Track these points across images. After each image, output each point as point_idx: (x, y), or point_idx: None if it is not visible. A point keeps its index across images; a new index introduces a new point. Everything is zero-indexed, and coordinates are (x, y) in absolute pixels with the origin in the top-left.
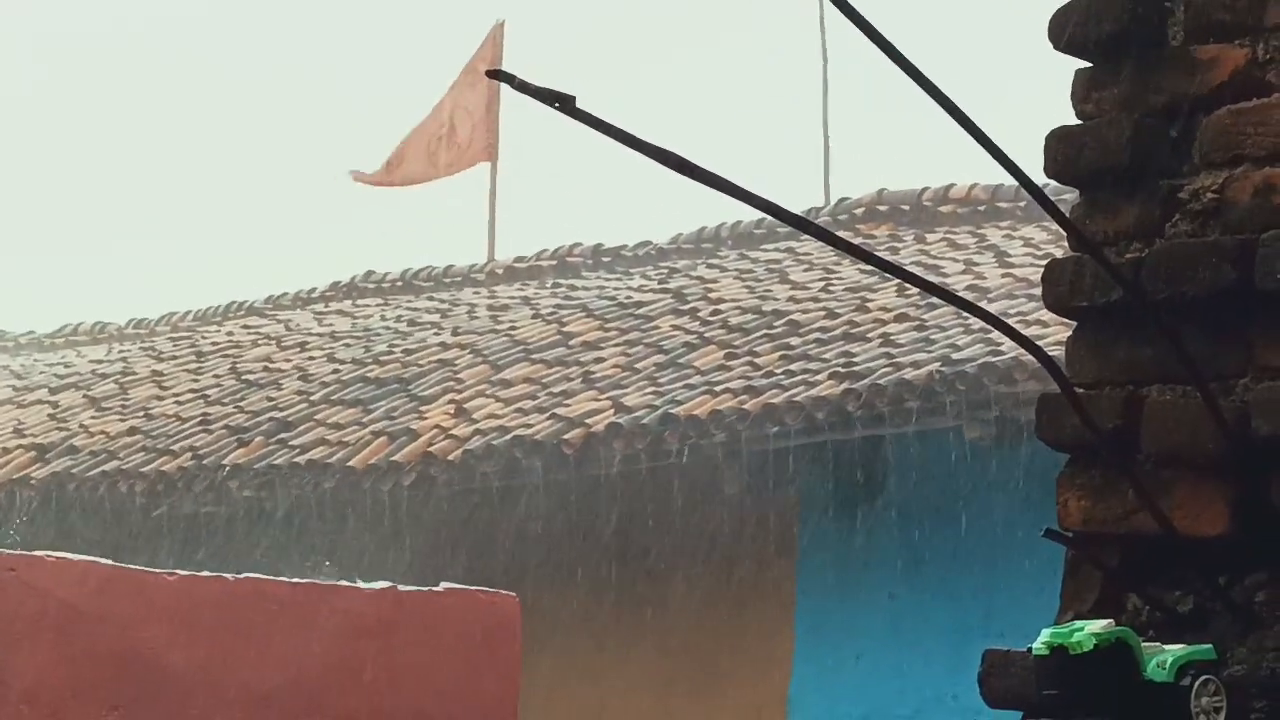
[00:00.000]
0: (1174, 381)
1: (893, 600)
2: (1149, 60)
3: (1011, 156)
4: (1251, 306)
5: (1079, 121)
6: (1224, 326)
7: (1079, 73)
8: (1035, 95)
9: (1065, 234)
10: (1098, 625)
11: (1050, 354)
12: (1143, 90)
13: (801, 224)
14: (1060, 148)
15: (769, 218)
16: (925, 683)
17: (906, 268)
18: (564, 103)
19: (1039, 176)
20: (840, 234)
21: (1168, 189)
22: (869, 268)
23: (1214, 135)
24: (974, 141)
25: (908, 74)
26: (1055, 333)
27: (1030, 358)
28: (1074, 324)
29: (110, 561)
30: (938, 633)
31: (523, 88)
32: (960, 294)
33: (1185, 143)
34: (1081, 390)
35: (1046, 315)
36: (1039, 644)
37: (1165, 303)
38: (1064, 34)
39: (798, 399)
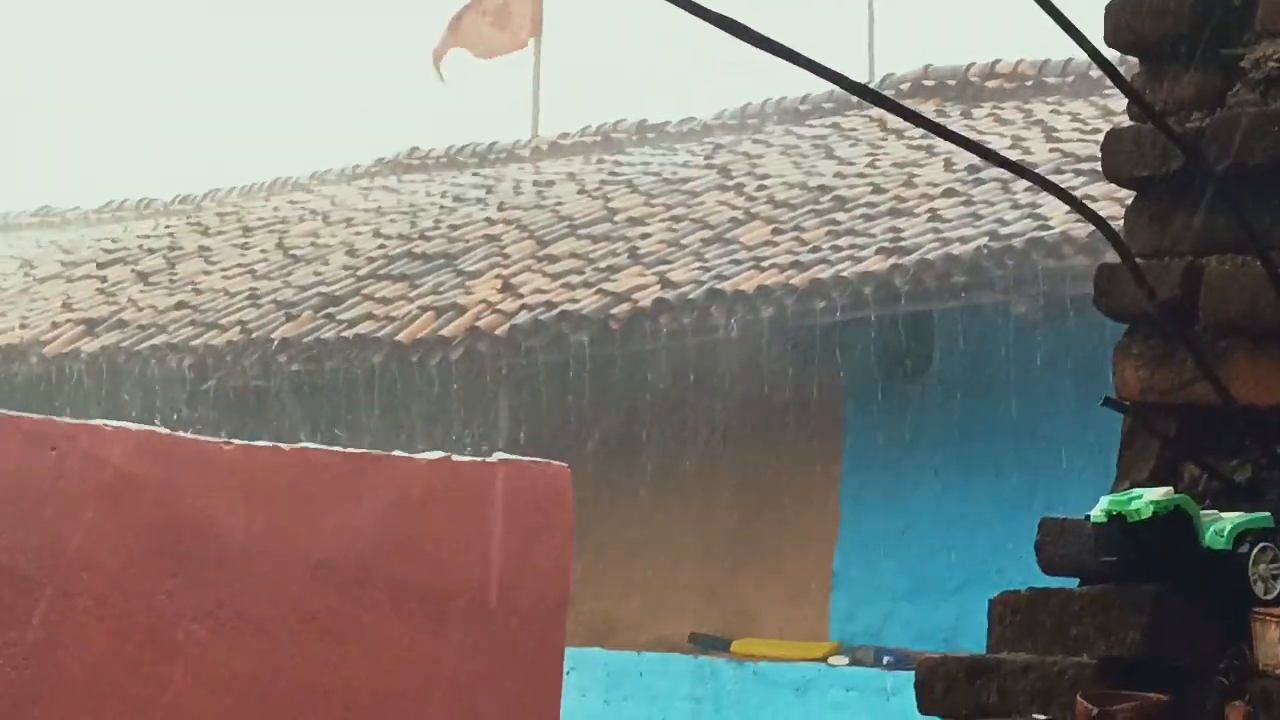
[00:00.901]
0: (1233, 251)
1: (938, 476)
2: None
3: (1069, 20)
4: None
5: None
6: None
7: None
8: None
9: (1114, 110)
10: (1156, 493)
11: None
12: None
13: (862, 90)
14: (1122, 16)
15: (814, 92)
16: (970, 557)
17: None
18: None
19: (1099, 46)
20: (884, 112)
21: (1229, 58)
22: (916, 142)
23: (1276, 3)
24: (1037, 6)
25: None
26: (1104, 208)
27: (1079, 232)
28: (1126, 200)
29: (167, 430)
30: (982, 508)
31: None
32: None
33: (1247, 11)
34: (1140, 260)
35: (1095, 190)
36: (1097, 511)
37: (1226, 172)
38: None
39: (844, 274)
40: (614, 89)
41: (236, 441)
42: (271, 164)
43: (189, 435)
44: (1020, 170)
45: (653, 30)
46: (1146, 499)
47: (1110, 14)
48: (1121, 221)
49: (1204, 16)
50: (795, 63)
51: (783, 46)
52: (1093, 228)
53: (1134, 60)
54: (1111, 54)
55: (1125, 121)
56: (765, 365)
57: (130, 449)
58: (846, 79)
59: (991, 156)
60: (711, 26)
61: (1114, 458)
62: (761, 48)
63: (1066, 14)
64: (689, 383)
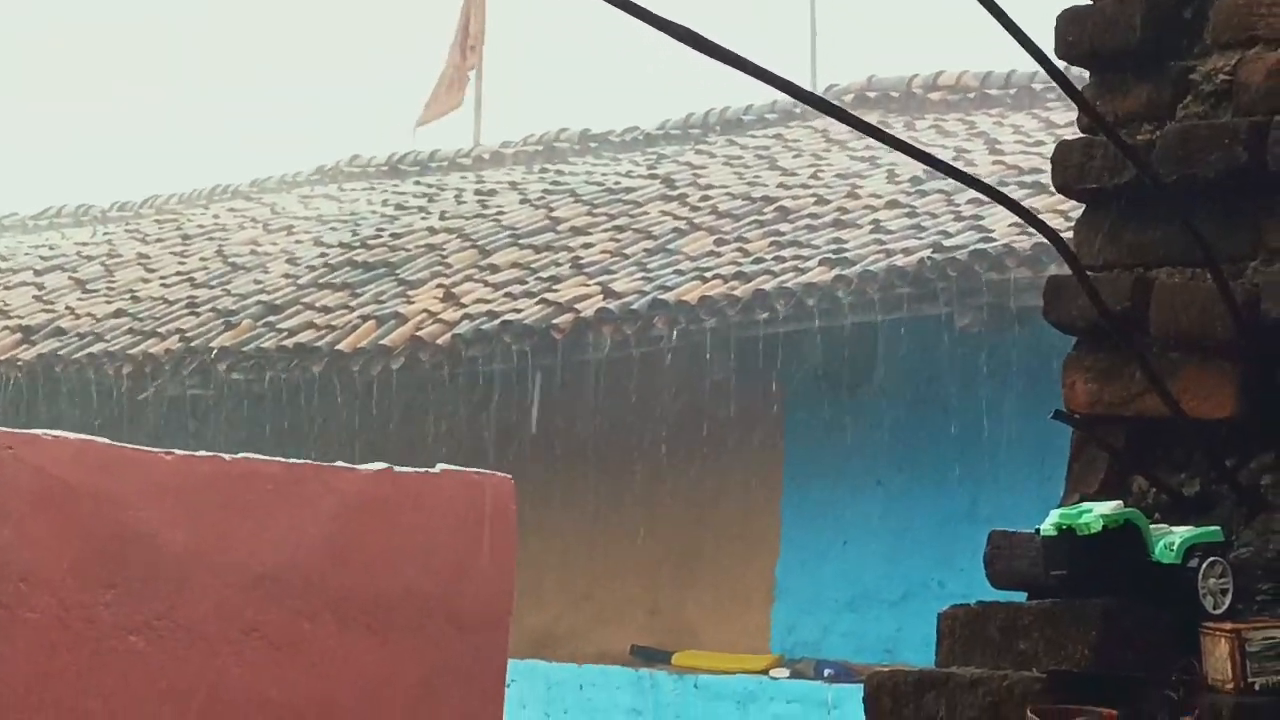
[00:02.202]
0: (1183, 264)
1: (880, 486)
2: None
3: (1021, 30)
4: (1262, 189)
5: (1090, 1)
6: (1234, 209)
7: None
8: None
9: (1057, 123)
10: (1106, 507)
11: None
12: None
13: (818, 102)
14: (1072, 27)
15: (757, 103)
16: (912, 569)
17: (893, 153)
18: None
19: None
20: (829, 123)
21: (1180, 70)
22: (859, 154)
23: (1227, 16)
24: (986, 15)
25: None
26: (1048, 221)
27: (1022, 244)
28: (1070, 214)
29: (107, 440)
30: (924, 519)
31: None
32: (950, 182)
33: (1198, 23)
34: (1090, 272)
35: (1038, 202)
36: (1047, 525)
37: (1176, 185)
38: None
39: (788, 285)
40: (556, 98)
41: (177, 451)
42: (211, 171)
43: (128, 445)
44: (971, 180)
45: (595, 40)
46: (1096, 513)
47: (1060, 25)
48: (1065, 235)
49: (1155, 29)
50: (749, 72)
51: (736, 55)
52: (1036, 240)
53: (1082, 72)
54: (1061, 66)
55: (1068, 134)
56: (708, 376)
57: (68, 458)
58: (801, 89)
59: (942, 167)
60: (662, 35)
61: (1056, 470)
62: (715, 57)
63: (1017, 24)
64: (632, 393)
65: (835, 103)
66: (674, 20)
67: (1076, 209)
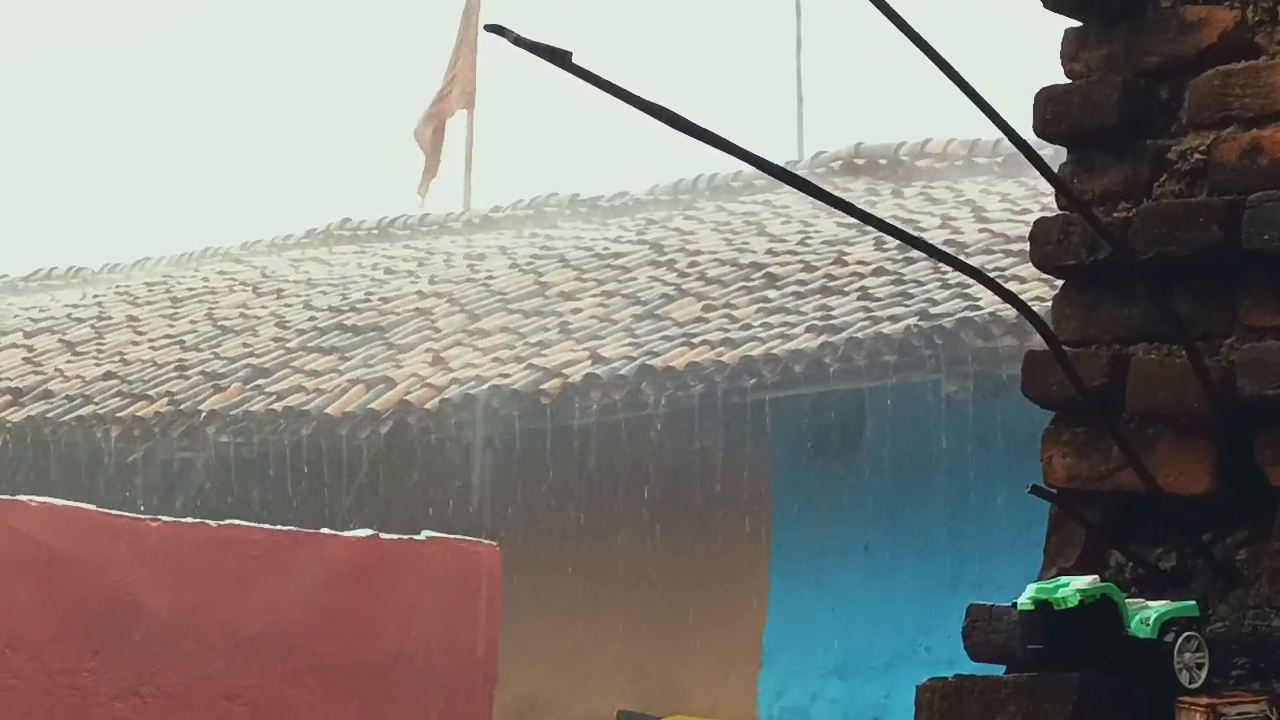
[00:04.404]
0: (1159, 340)
1: (867, 553)
2: (1139, 20)
3: (998, 113)
4: (1238, 267)
5: (1068, 81)
6: (1210, 287)
7: (1068, 32)
8: (1023, 54)
9: (1044, 191)
10: (1082, 581)
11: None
12: (1132, 50)
13: (796, 180)
14: (1049, 106)
15: (746, 169)
16: (899, 634)
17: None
18: (561, 58)
19: (1026, 135)
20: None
21: (1156, 149)
22: (846, 221)
23: (1202, 96)
24: (964, 96)
25: (893, 22)
26: (1032, 288)
27: (1008, 312)
28: (1055, 281)
29: (93, 507)
30: (911, 585)
31: (519, 42)
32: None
33: (1174, 103)
34: (1067, 348)
35: (1024, 271)
36: (1024, 599)
37: (1152, 262)
38: None
39: (775, 351)
40: (546, 163)
41: (164, 518)
42: (201, 235)
43: (114, 512)
44: (949, 259)
45: (584, 106)
46: (1073, 587)
47: (1039, 104)
48: (1050, 305)
49: (1131, 108)
50: (730, 152)
51: (713, 134)
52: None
53: (1057, 148)
54: (1038, 143)
55: (1055, 204)
56: (696, 442)
57: (54, 524)
58: (779, 167)
59: (920, 245)
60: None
61: (1042, 538)
62: (693, 135)
63: (993, 103)
64: (619, 458)
65: (822, 170)
66: (653, 101)
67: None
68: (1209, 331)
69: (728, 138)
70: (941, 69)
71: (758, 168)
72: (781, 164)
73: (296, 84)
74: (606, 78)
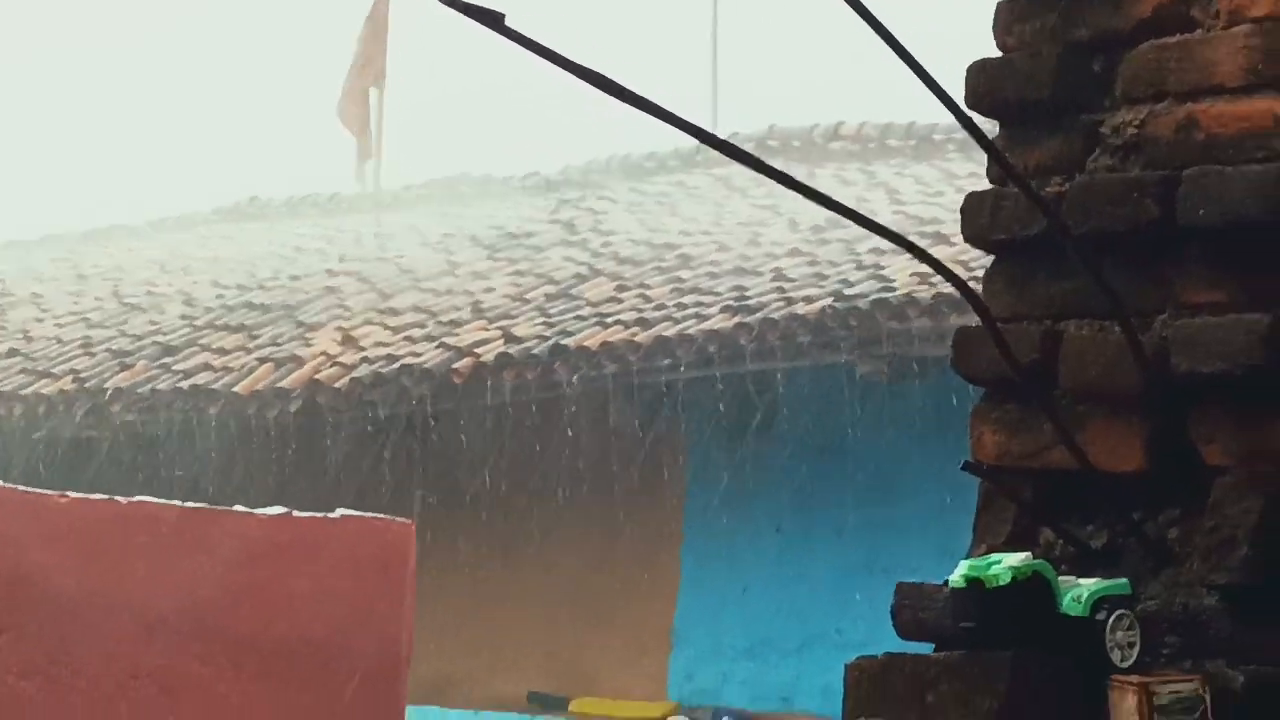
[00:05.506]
0: (1092, 316)
1: (780, 534)
2: None
3: (927, 72)
4: (1172, 243)
5: (1000, 54)
6: (1144, 262)
7: (1001, 4)
8: (955, 29)
9: (956, 174)
10: (1014, 559)
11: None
12: (1065, 23)
13: (736, 151)
14: (981, 80)
15: (659, 150)
16: (811, 617)
17: (794, 201)
18: (493, 20)
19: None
20: (730, 171)
21: (1089, 123)
22: (760, 202)
23: (1136, 70)
24: (890, 70)
25: None
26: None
27: (923, 294)
28: (972, 260)
29: (1, 482)
30: (824, 567)
31: (452, 3)
32: (851, 231)
33: (1107, 77)
34: (999, 324)
35: (937, 252)
36: (956, 576)
37: (1085, 237)
38: None
39: (689, 332)
40: (456, 142)
41: (71, 493)
42: (107, 210)
43: (20, 487)
44: (883, 230)
45: (495, 84)
46: (1005, 564)
47: (971, 76)
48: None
49: (1064, 82)
50: (660, 117)
51: (647, 101)
52: (937, 290)
53: (992, 124)
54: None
55: (969, 185)
56: (609, 422)
57: None
58: (714, 136)
59: (852, 215)
60: (570, 78)
61: (955, 520)
62: (627, 101)
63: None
64: (532, 439)
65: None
66: (586, 65)
67: (978, 260)
68: (1142, 308)
69: (662, 105)
70: (879, 33)
71: (695, 136)
72: (693, 147)
73: (208, 53)
74: (540, 42)
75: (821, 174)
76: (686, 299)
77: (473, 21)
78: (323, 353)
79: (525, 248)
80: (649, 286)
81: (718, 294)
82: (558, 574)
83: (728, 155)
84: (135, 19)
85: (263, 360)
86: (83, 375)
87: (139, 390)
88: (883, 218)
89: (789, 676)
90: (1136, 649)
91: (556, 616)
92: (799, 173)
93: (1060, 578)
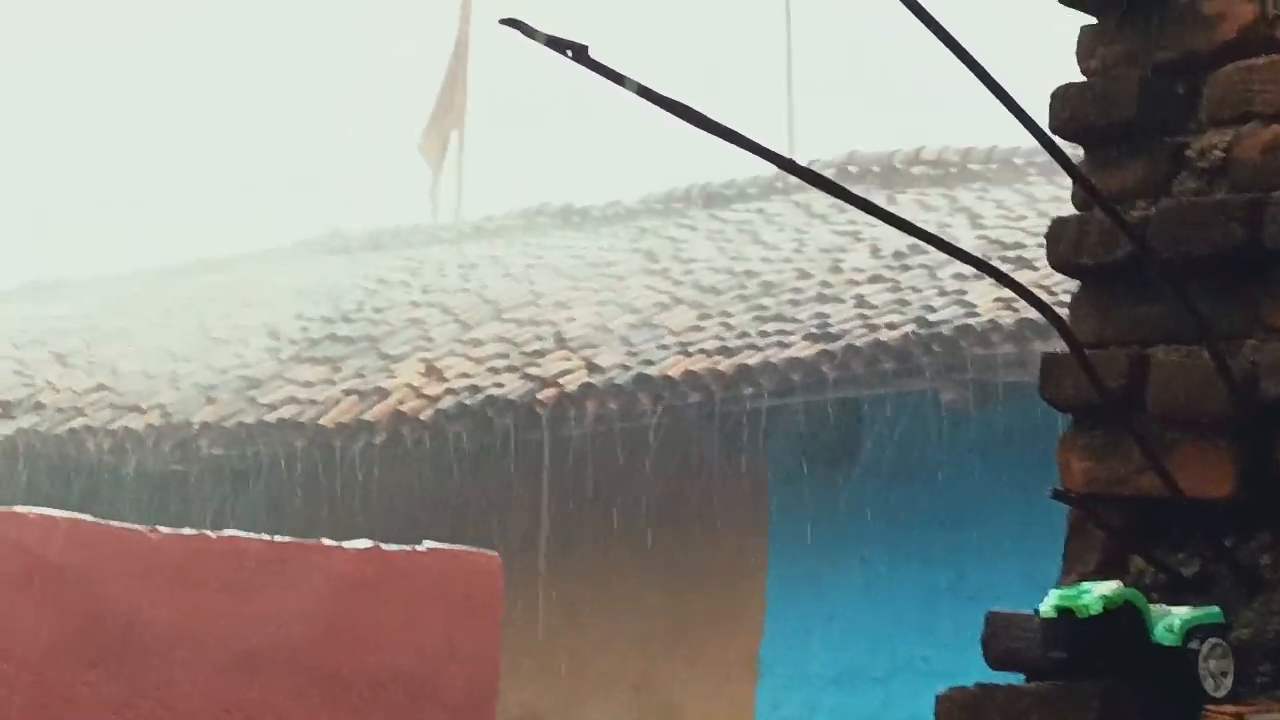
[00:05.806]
0: (1180, 341)
1: (865, 562)
2: (1156, 16)
3: (1015, 101)
4: (1259, 266)
5: (1084, 79)
6: (1231, 286)
7: (1084, 29)
8: (1038, 53)
9: (1038, 198)
10: (1105, 588)
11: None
12: (1149, 46)
13: (814, 176)
14: (1066, 104)
15: (738, 178)
16: (897, 645)
17: (876, 228)
18: (577, 52)
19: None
20: (810, 197)
21: (1174, 146)
22: (841, 228)
23: (1222, 92)
24: (972, 93)
25: (912, 11)
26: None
27: (1007, 319)
28: (1056, 285)
29: (91, 518)
30: (909, 595)
31: (534, 35)
32: (933, 257)
33: (1192, 100)
34: (1086, 349)
35: (1020, 277)
36: (1046, 606)
37: (1171, 262)
38: None
39: (772, 360)
40: (538, 172)
41: (162, 529)
42: (192, 246)
43: (111, 522)
44: (966, 256)
45: (576, 115)
46: (1096, 593)
47: (1055, 101)
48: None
49: (1148, 105)
50: (743, 146)
51: (731, 130)
52: (1020, 315)
53: (1070, 145)
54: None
55: (1051, 209)
56: (692, 451)
57: (50, 535)
58: (797, 164)
59: (933, 240)
60: (652, 108)
61: (1040, 546)
62: (709, 131)
63: (1015, 99)
64: (615, 468)
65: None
66: (672, 97)
67: (1060, 284)
68: (1230, 332)
69: (749, 136)
70: (961, 59)
71: (778, 165)
72: (772, 175)
73: (287, 89)
74: (624, 74)
75: (902, 199)
76: (769, 326)
77: (556, 54)
78: (407, 384)
79: (607, 277)
80: (731, 314)
81: (800, 321)
82: (643, 604)
83: (809, 182)
84: (220, 56)
85: (347, 392)
86: (169, 409)
87: (225, 424)
88: (965, 243)
89: (876, 705)
90: (1230, 678)
91: (643, 646)
92: (879, 198)
93: (1151, 606)
